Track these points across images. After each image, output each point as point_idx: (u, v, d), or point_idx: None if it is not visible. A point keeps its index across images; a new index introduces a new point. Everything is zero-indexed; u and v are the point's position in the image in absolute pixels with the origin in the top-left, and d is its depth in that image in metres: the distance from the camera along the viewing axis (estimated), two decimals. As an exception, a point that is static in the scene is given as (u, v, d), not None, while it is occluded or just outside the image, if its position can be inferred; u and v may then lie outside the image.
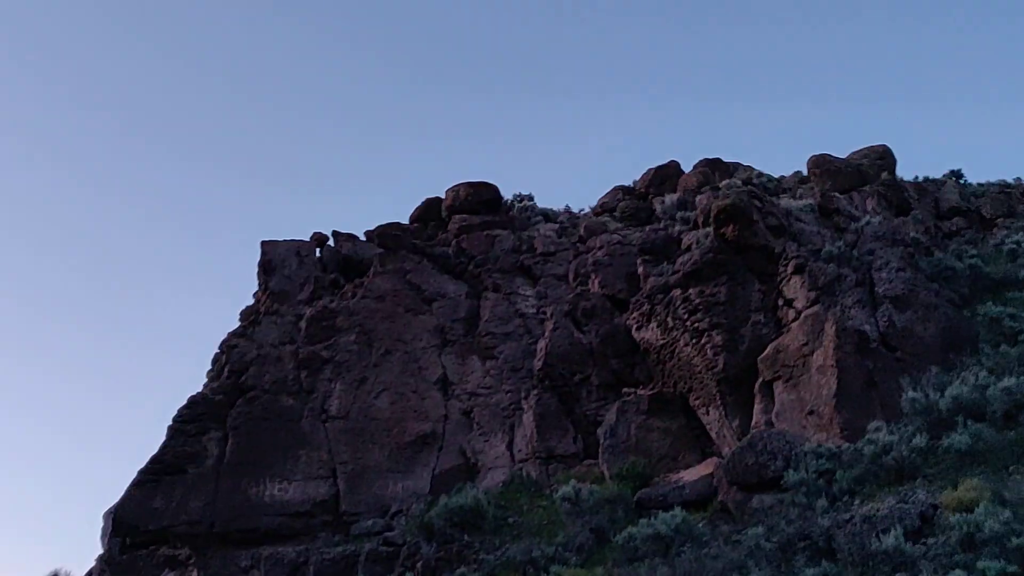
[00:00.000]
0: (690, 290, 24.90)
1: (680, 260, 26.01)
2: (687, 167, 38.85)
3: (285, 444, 26.73)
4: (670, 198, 34.46)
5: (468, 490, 24.43)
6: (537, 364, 27.65)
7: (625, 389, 26.32)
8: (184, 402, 27.38)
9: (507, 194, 37.11)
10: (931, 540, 14.94)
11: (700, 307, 24.59)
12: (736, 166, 38.67)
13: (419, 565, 21.60)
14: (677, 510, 19.62)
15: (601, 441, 25.10)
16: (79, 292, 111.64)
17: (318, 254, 33.44)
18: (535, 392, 27.24)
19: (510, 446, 27.18)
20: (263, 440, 26.69)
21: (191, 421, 26.93)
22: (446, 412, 28.09)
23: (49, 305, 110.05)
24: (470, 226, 33.02)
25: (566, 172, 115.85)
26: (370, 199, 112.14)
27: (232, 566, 24.86)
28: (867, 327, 22.89)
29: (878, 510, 16.25)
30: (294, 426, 27.18)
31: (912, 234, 29.48)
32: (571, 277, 30.47)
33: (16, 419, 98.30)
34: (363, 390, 27.99)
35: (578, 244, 31.89)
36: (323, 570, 23.57)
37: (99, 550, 27.76)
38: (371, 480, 26.37)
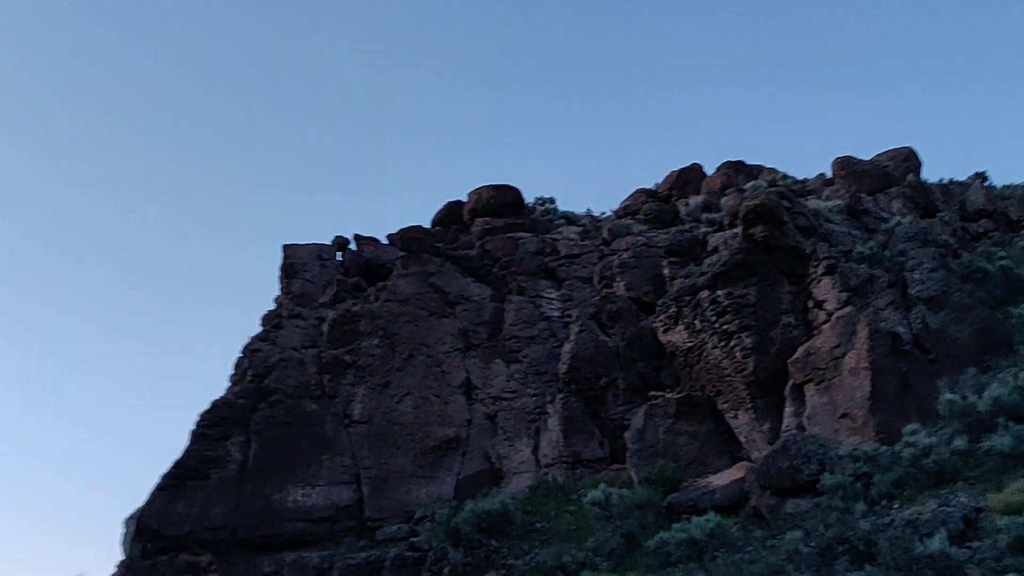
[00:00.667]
0: (718, 292, 24.54)
1: (708, 261, 25.68)
2: (708, 170, 38.57)
3: (308, 449, 26.45)
4: (694, 200, 34.15)
5: (494, 495, 24.13)
6: (562, 368, 27.32)
7: (652, 393, 25.96)
8: (208, 406, 27.15)
9: (528, 197, 36.87)
10: (976, 544, 14.55)
11: (729, 309, 24.23)
12: (759, 168, 38.33)
13: (446, 571, 21.27)
14: (711, 514, 19.26)
15: (628, 445, 24.74)
16: (107, 295, 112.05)
17: (339, 257, 33.24)
18: (560, 396, 26.92)
19: (535, 451, 26.85)
20: (286, 445, 26.42)
21: (214, 425, 26.67)
22: (470, 416, 27.78)
23: (77, 309, 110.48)
24: (493, 228, 32.76)
25: (585, 176, 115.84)
26: (390, 202, 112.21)
27: (255, 572, 24.57)
28: (900, 329, 22.50)
29: (920, 513, 15.86)
30: (317, 431, 26.90)
31: (941, 236, 29.05)
32: (596, 280, 30.15)
33: (43, 422, 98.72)
34: (386, 394, 27.71)
35: (602, 247, 31.59)
36: (346, 576, 23.27)
37: (120, 556, 27.51)
38: (395, 485, 26.08)
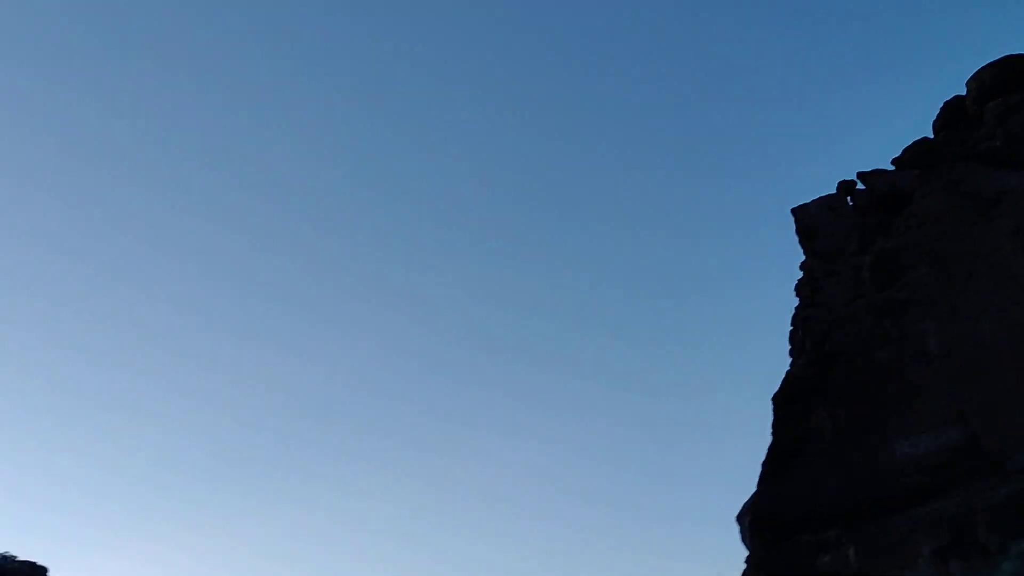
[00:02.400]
0: None
1: None
2: None
3: (896, 399, 25.20)
4: None
5: None
6: None
7: None
8: (778, 386, 27.18)
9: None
10: None
11: None
12: None
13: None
14: None
15: None
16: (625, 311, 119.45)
17: (850, 202, 31.56)
18: None
19: None
20: (871, 401, 25.47)
21: (792, 403, 26.65)
22: (1064, 317, 24.51)
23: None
24: (1011, 107, 28.86)
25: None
26: (867, 135, 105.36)
27: (889, 535, 23.76)
28: None
29: None
30: (897, 378, 25.54)
31: None
32: None
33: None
34: (958, 320, 25.47)
35: None
36: (993, 519, 21.58)
37: (743, 552, 28.13)
38: (1007, 412, 23.69)
